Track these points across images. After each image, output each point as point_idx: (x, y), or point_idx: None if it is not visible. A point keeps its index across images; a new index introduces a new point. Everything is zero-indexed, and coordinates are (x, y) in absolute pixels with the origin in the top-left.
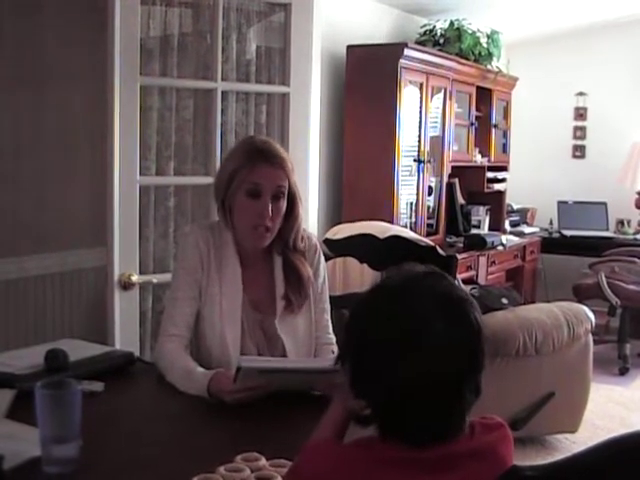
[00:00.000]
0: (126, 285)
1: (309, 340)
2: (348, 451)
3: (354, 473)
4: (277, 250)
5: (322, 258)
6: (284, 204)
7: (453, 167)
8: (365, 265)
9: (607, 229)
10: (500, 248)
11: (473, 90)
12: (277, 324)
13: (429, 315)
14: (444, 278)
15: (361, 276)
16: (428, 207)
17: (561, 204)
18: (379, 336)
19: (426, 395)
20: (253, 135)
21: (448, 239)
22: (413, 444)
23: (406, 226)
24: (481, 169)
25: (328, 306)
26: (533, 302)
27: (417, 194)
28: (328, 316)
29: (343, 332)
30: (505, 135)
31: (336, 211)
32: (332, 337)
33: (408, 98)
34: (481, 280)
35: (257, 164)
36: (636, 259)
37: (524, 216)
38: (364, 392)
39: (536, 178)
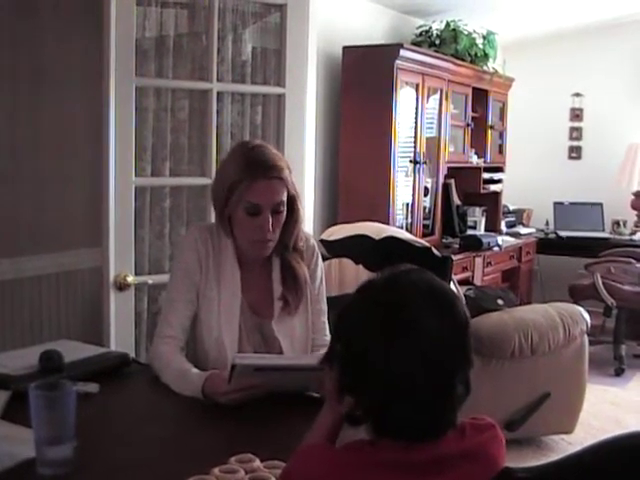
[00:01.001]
0: (121, 286)
1: (306, 342)
2: (339, 455)
3: (346, 477)
4: (276, 253)
5: (320, 260)
6: (284, 215)
7: (449, 168)
8: (360, 266)
9: (603, 230)
10: (496, 249)
11: (469, 91)
12: (274, 326)
13: (418, 306)
14: (426, 273)
15: (356, 277)
16: (424, 208)
17: (557, 205)
18: (369, 330)
19: (418, 388)
20: (248, 141)
21: (444, 240)
22: (406, 440)
23: (402, 227)
24: (477, 170)
25: (325, 308)
26: (529, 303)
27: (413, 195)
28: (325, 318)
29: (331, 333)
30: (501, 136)
31: (332, 212)
32: (328, 339)
33: (404, 99)
34: (477, 281)
35: (254, 180)
36: (632, 260)
37: (520, 217)
38: (355, 390)
39: (532, 179)
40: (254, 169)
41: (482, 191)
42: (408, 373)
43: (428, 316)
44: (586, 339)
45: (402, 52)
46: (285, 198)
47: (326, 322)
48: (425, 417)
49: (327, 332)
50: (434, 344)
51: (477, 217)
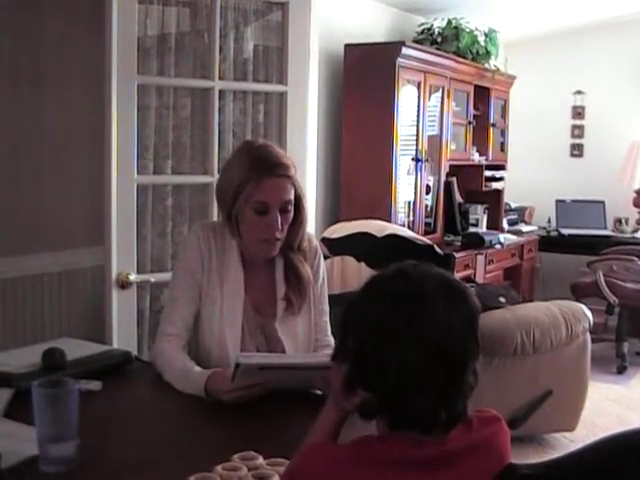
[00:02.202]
0: (124, 284)
1: (308, 342)
2: (345, 452)
3: (352, 474)
4: (280, 253)
5: (322, 260)
6: (292, 214)
7: (451, 166)
8: (362, 264)
9: (605, 228)
10: (498, 247)
11: (471, 89)
12: (277, 326)
13: (431, 296)
14: (433, 266)
15: (359, 275)
16: (426, 206)
17: (559, 203)
18: (381, 319)
19: (431, 378)
20: (252, 140)
21: (446, 238)
22: (419, 431)
23: (404, 225)
24: (479, 168)
25: (327, 308)
26: (531, 301)
27: (415, 193)
28: (327, 318)
29: (339, 330)
30: (503, 134)
31: (334, 210)
32: (331, 339)
33: (406, 97)
34: (479, 279)
35: (262, 178)
36: (634, 257)
37: (522, 215)
38: (368, 383)
39: (534, 177)
40: (261, 167)
41: (484, 189)
42: (422, 363)
43: (442, 306)
44: (588, 337)
45: (404, 50)
46: (292, 197)
47: (328, 322)
48: (439, 406)
49: (329, 332)
50: (448, 334)
51: (479, 215)
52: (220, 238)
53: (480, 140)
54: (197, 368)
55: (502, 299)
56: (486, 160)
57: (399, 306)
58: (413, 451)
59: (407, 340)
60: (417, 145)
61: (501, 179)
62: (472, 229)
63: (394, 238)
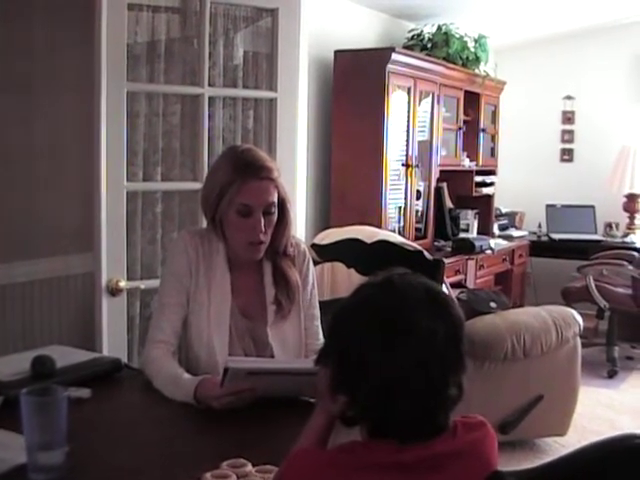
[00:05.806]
0: (114, 291)
1: (299, 347)
2: (332, 457)
3: (336, 479)
4: (267, 256)
5: (311, 265)
6: (275, 216)
7: (441, 171)
8: (352, 270)
9: (595, 232)
10: (489, 252)
11: (461, 94)
12: (268, 330)
13: (415, 309)
14: (420, 276)
15: (349, 281)
16: (416, 211)
17: (549, 208)
18: (365, 332)
19: (413, 390)
20: (236, 145)
21: (437, 243)
22: (399, 441)
23: (395, 231)
24: (469, 173)
25: (318, 312)
26: (522, 306)
27: (405, 198)
28: (318, 322)
29: (326, 334)
30: (493, 139)
31: (324, 216)
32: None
33: (396, 103)
34: (470, 284)
35: (245, 180)
36: (624, 262)
37: (513, 220)
38: (349, 390)
39: (524, 182)
40: (244, 170)
41: (474, 194)
42: (404, 375)
43: (425, 319)
44: (579, 341)
45: (394, 56)
46: (276, 199)
47: (319, 326)
48: (419, 418)
49: (320, 336)
50: (430, 347)
51: (469, 220)
52: (207, 243)
53: (470, 145)
54: (186, 375)
55: (493, 304)
56: (476, 165)
57: (382, 316)
58: (396, 456)
59: (388, 350)
60: (407, 151)
61: (491, 184)
62: (463, 234)
63: (384, 244)
